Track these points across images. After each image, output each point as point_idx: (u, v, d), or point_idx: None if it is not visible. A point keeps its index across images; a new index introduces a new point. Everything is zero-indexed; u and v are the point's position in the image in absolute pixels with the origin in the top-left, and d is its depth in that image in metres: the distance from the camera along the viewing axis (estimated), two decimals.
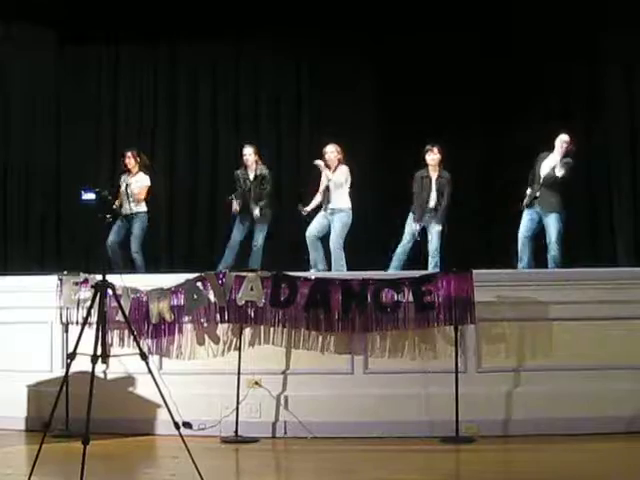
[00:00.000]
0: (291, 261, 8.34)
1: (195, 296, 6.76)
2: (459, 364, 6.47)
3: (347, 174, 8.35)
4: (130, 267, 8.66)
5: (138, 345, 5.23)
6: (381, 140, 9.70)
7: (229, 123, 10.41)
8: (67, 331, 6.79)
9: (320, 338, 6.73)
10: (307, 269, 8.05)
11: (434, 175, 8.37)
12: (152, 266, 8.83)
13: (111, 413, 6.39)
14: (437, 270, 7.81)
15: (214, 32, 9.81)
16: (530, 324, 6.68)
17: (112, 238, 8.58)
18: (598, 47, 9.39)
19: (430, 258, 8.23)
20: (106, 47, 10.38)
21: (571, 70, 9.39)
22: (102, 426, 5.78)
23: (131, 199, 8.66)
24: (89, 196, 5.12)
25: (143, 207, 8.80)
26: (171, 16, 9.68)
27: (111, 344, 6.41)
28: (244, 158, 8.84)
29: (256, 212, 8.66)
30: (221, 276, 6.76)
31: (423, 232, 8.37)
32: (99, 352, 4.89)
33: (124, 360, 6.17)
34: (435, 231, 8.29)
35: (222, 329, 6.81)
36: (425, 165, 8.41)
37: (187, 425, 5.77)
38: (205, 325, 6.81)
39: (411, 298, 6.62)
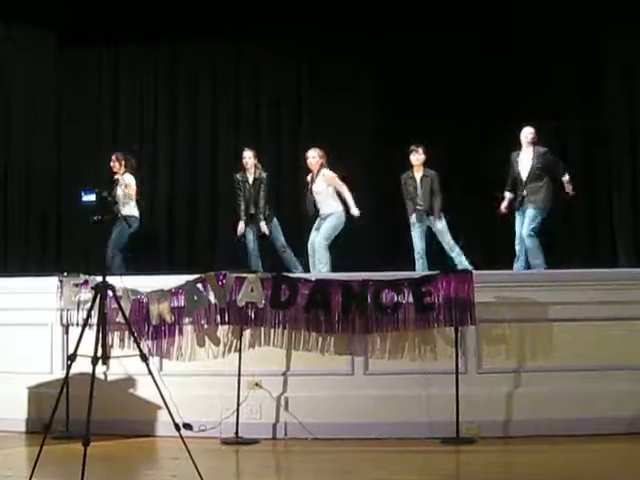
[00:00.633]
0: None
1: (195, 297, 6.76)
2: (459, 365, 6.47)
3: (328, 179, 8.24)
4: (130, 268, 8.67)
5: (138, 346, 5.23)
6: (381, 140, 9.69)
7: (229, 124, 10.41)
8: (67, 333, 6.80)
9: (320, 339, 6.72)
10: (307, 271, 8.05)
11: (418, 175, 8.41)
12: (152, 268, 8.82)
13: (111, 414, 6.39)
14: (466, 264, 7.79)
15: (214, 33, 9.81)
16: (530, 325, 6.67)
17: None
18: (598, 47, 9.39)
19: (451, 253, 8.22)
20: (106, 48, 10.39)
21: (571, 70, 9.39)
22: (102, 427, 5.79)
23: (121, 201, 8.52)
24: (89, 197, 5.12)
25: (134, 211, 8.72)
26: (171, 17, 9.68)
27: (111, 345, 6.40)
28: (244, 161, 8.88)
29: (264, 229, 8.71)
30: (221, 277, 6.76)
31: (429, 232, 8.40)
32: (99, 353, 4.90)
33: (124, 361, 6.18)
34: (440, 228, 8.30)
35: (222, 330, 6.80)
36: (410, 166, 8.44)
37: (187, 426, 5.75)
38: (205, 326, 6.81)
39: (411, 299, 6.61)
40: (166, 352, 6.82)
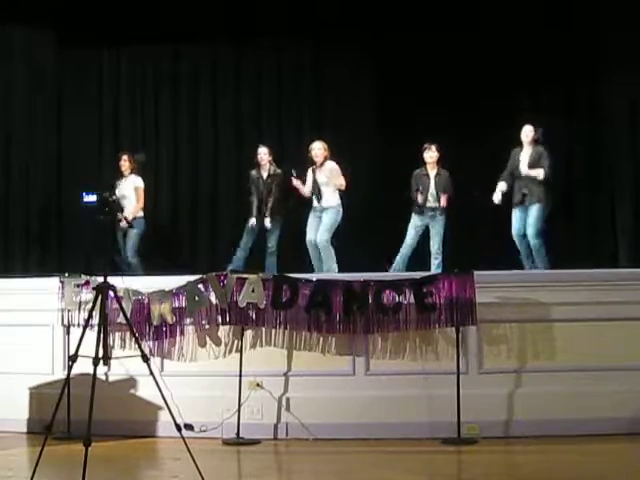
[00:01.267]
0: (291, 262, 8.37)
1: (196, 298, 6.75)
2: (460, 365, 6.46)
3: (333, 170, 8.34)
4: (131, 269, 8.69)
5: (139, 347, 5.23)
6: (384, 139, 9.70)
7: (230, 122, 10.41)
8: (68, 333, 6.79)
9: (321, 339, 6.72)
10: (307, 271, 8.05)
11: (432, 173, 8.45)
12: (153, 268, 8.83)
13: (113, 415, 6.39)
14: (439, 270, 7.83)
15: (214, 32, 9.81)
16: (532, 325, 6.67)
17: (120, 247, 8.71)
18: (598, 47, 9.39)
19: (433, 259, 8.26)
20: (107, 49, 10.38)
21: (571, 70, 9.39)
22: (104, 428, 5.80)
23: (125, 202, 8.65)
24: (90, 198, 5.12)
25: (140, 212, 8.84)
26: (172, 18, 9.66)
27: (112, 346, 6.37)
28: (258, 157, 8.94)
29: (267, 223, 8.78)
30: (222, 278, 6.75)
31: (426, 230, 8.41)
32: (100, 354, 4.89)
33: (125, 362, 6.18)
34: (437, 230, 8.32)
35: (223, 331, 6.80)
36: (424, 163, 8.47)
37: (189, 427, 5.76)
38: (206, 327, 6.80)
39: (412, 299, 6.60)
40: (167, 352, 6.81)
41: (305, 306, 6.68)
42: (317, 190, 8.39)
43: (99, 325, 4.94)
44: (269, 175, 8.90)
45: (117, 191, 8.69)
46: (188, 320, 6.81)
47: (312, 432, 6.53)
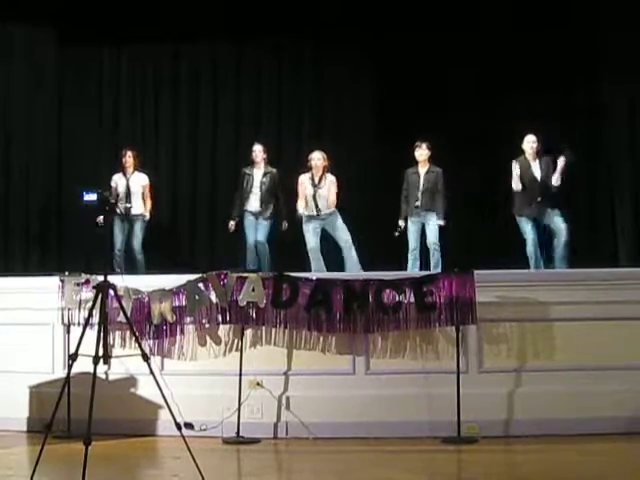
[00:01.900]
0: (291, 262, 8.37)
1: (197, 297, 6.75)
2: (460, 364, 6.46)
3: (331, 186, 8.42)
4: (131, 268, 8.70)
5: (140, 346, 5.24)
6: (382, 139, 9.70)
7: (230, 122, 10.42)
8: (69, 332, 6.78)
9: (322, 339, 6.72)
10: (307, 270, 8.06)
11: (422, 171, 8.48)
12: (153, 267, 8.84)
13: (113, 414, 6.39)
14: (439, 266, 7.85)
15: (215, 31, 9.82)
16: (532, 324, 6.67)
17: (119, 244, 8.73)
18: (598, 47, 9.39)
19: (430, 255, 8.26)
20: (107, 48, 10.39)
21: (571, 70, 9.40)
22: (104, 427, 5.81)
23: (133, 198, 8.76)
24: (91, 197, 5.12)
25: (143, 209, 8.91)
26: (172, 17, 9.68)
27: (112, 345, 6.39)
28: (253, 155, 8.93)
29: (285, 225, 8.87)
30: (222, 277, 6.75)
31: (422, 229, 8.43)
32: (101, 353, 4.90)
33: (126, 361, 6.16)
34: (432, 226, 8.33)
35: (224, 330, 6.80)
36: (415, 162, 8.48)
37: (189, 426, 5.76)
38: (207, 326, 6.80)
39: (412, 299, 6.61)
40: (167, 351, 6.81)
41: (305, 305, 6.68)
42: (316, 203, 8.40)
43: (99, 324, 4.94)
44: (265, 173, 8.90)
45: (120, 187, 8.77)
46: (188, 319, 6.81)
47: (312, 431, 6.53)
